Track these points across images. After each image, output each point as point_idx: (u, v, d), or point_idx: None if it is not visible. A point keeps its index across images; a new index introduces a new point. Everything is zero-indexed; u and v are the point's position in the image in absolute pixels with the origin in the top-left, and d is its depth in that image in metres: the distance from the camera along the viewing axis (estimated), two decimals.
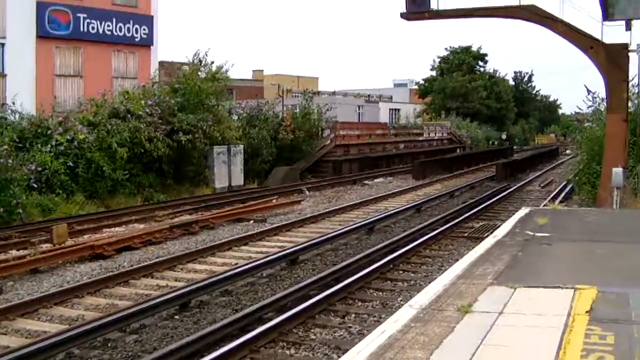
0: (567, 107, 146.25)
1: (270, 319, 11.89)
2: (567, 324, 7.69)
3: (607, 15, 21.24)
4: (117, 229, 23.54)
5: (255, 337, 10.89)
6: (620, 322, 7.74)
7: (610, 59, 23.50)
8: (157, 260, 17.72)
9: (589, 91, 27.73)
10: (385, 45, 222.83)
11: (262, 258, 17.23)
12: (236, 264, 17.31)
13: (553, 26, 24.76)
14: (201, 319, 12.72)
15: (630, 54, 23.38)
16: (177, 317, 12.89)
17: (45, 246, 19.59)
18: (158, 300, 13.03)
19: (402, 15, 26.36)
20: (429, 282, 13.48)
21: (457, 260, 15.44)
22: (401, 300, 13.46)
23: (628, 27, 21.84)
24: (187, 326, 12.26)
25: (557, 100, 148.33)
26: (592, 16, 23.65)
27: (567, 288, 9.26)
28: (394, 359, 6.85)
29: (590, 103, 28.10)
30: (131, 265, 17.37)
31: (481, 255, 11.89)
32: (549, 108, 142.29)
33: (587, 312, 8.16)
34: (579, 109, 34.62)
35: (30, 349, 10.17)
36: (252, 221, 24.91)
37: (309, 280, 14.62)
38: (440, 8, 25.93)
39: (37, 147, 27.99)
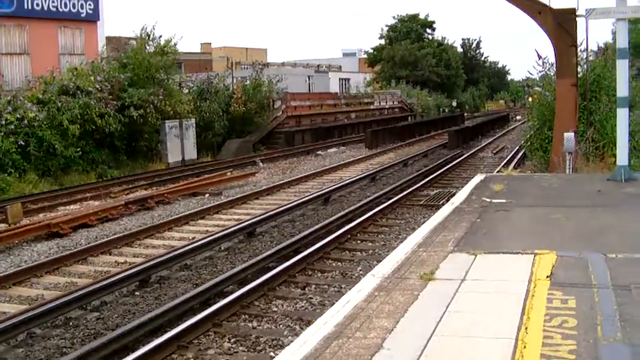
0: (516, 73, 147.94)
1: (231, 292, 11.91)
2: (528, 290, 7.82)
3: None
4: (72, 206, 23.33)
5: (217, 310, 10.89)
6: (581, 286, 7.87)
7: (559, 24, 23.62)
8: (114, 236, 17.60)
9: (539, 56, 27.89)
10: (333, 15, 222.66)
11: (220, 231, 17.21)
12: (194, 238, 17.28)
13: None
14: (162, 294, 12.70)
15: (578, 19, 23.52)
16: (137, 293, 12.86)
17: (0, 226, 19.38)
18: (117, 277, 12.97)
19: None
20: (388, 251, 13.65)
21: (414, 228, 15.64)
22: (360, 270, 13.56)
23: None
24: (148, 302, 12.24)
25: (505, 66, 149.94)
26: None
27: (527, 253, 9.40)
28: (361, 328, 6.92)
29: (540, 68, 28.28)
30: (88, 243, 17.24)
31: (440, 222, 12.00)
32: (498, 74, 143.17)
33: (547, 277, 8.29)
34: (530, 73, 34.84)
35: None
36: (207, 195, 24.84)
37: (267, 253, 14.63)
38: None
39: None
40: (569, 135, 20.37)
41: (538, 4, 24.02)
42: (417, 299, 7.65)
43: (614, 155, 21.33)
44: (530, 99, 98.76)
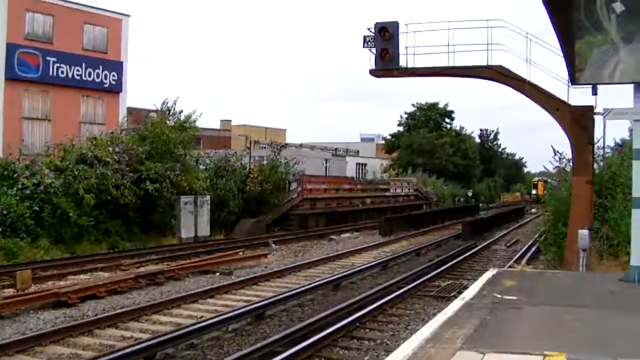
0: (533, 166, 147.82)
1: None
2: None
3: (573, 80, 21.37)
4: (81, 276, 23.34)
5: None
6: None
7: (576, 121, 23.71)
8: (122, 310, 17.54)
9: (555, 152, 27.98)
10: (353, 99, 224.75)
11: (228, 312, 17.12)
12: (202, 317, 17.17)
13: (520, 87, 25.00)
14: None
15: (595, 116, 23.60)
16: None
17: (9, 291, 19.35)
18: (123, 352, 12.87)
19: (371, 72, 26.46)
20: (396, 342, 13.54)
21: (424, 320, 15.53)
22: None
23: (594, 92, 22.05)
24: None
25: (522, 158, 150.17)
26: (558, 77, 23.85)
27: (535, 355, 9.25)
28: None
29: (556, 163, 28.34)
30: (95, 315, 17.18)
31: (449, 317, 11.86)
32: (515, 166, 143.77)
33: None
34: (545, 168, 34.92)
35: None
36: (218, 273, 24.77)
37: (275, 337, 14.52)
38: (409, 66, 26.08)
39: (3, 189, 27.83)
40: (584, 233, 20.29)
41: (556, 101, 24.17)
42: None
43: (629, 254, 21.22)
44: (534, 191, 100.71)
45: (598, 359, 9.13)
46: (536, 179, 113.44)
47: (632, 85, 17.33)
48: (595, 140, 24.32)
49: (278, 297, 19.15)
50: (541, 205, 45.65)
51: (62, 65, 39.88)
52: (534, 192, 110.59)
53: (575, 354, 9.35)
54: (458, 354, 9.37)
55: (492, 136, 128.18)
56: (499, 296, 14.01)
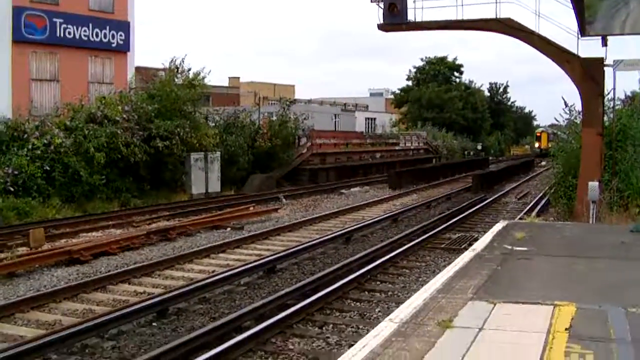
0: (543, 119, 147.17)
1: (248, 328, 11.89)
2: (546, 341, 7.74)
3: (583, 32, 21.39)
4: (94, 233, 23.49)
5: (233, 346, 10.88)
6: (600, 340, 7.79)
7: (586, 73, 23.64)
8: (134, 266, 17.69)
9: (566, 104, 27.91)
10: (361, 54, 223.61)
11: (240, 266, 17.25)
12: (214, 271, 17.31)
13: (529, 39, 24.91)
14: (179, 326, 12.71)
15: (605, 68, 23.51)
16: (154, 324, 12.87)
17: (22, 250, 19.52)
18: (136, 307, 13.01)
19: (379, 27, 26.38)
20: (407, 294, 13.63)
21: (435, 272, 15.62)
22: (379, 312, 13.51)
23: (604, 43, 22.00)
24: (165, 334, 12.26)
25: (532, 111, 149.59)
26: (568, 30, 23.76)
27: (546, 304, 9.32)
28: None
29: (567, 116, 28.28)
30: (108, 271, 17.32)
31: (460, 268, 11.93)
32: (525, 119, 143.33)
33: (566, 329, 8.21)
34: (556, 120, 34.80)
35: (7, 354, 10.13)
36: (229, 229, 24.89)
37: (287, 290, 14.64)
38: (417, 20, 26.00)
39: (14, 150, 27.94)
40: (594, 184, 20.32)
41: (566, 53, 24.06)
42: (434, 346, 7.58)
43: (639, 206, 21.24)
44: (537, 144, 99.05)
45: (608, 309, 9.18)
46: (540, 129, 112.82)
47: None
48: (605, 93, 24.26)
49: (289, 251, 19.29)
50: (549, 157, 45.43)
51: (68, 26, 39.63)
52: (537, 145, 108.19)
53: (585, 303, 9.41)
54: (469, 304, 9.44)
55: (501, 90, 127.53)
56: (509, 247, 14.07)
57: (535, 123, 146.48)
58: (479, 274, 11.40)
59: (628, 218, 20.81)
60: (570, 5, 20.44)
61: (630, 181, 22.95)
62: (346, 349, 8.93)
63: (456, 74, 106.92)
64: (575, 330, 8.19)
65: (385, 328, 8.32)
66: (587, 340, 7.78)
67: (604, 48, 22.86)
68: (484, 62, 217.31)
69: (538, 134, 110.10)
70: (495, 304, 9.37)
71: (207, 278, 15.85)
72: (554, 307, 9.18)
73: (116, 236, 21.79)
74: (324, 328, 12.67)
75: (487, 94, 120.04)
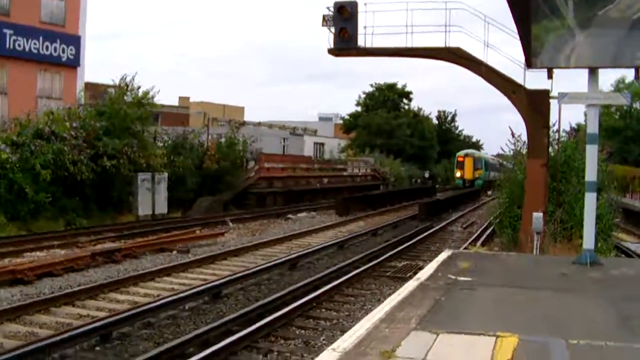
0: (490, 148, 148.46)
1: (192, 354, 11.83)
2: None
3: (529, 63, 21.60)
4: (38, 253, 23.22)
5: None
6: None
7: (532, 105, 23.94)
8: (78, 288, 17.49)
9: (512, 134, 28.26)
10: (311, 78, 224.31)
11: (185, 290, 17.17)
12: (159, 295, 17.21)
13: (477, 69, 25.17)
14: (122, 351, 12.61)
15: (551, 100, 23.83)
16: (98, 348, 12.75)
17: None
18: (79, 330, 12.88)
19: (330, 51, 26.50)
20: (352, 322, 13.67)
21: (380, 300, 15.70)
22: (324, 340, 13.53)
23: (549, 76, 22.27)
24: (107, 359, 12.16)
25: (479, 140, 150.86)
26: (515, 61, 24.07)
27: (489, 335, 9.43)
28: None
29: (513, 146, 28.65)
30: (52, 292, 17.13)
31: (404, 298, 12.03)
32: (472, 148, 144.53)
33: None
34: (502, 150, 35.19)
35: None
36: (175, 252, 24.76)
37: (232, 316, 14.61)
38: (368, 45, 26.18)
39: None
40: (538, 215, 20.56)
41: (513, 84, 24.38)
42: None
43: (582, 237, 21.54)
44: (458, 174, 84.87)
45: (550, 340, 9.32)
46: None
47: (587, 70, 17.62)
48: (551, 124, 24.61)
49: (235, 276, 19.25)
50: (496, 188, 45.70)
51: (18, 38, 39.32)
52: (457, 174, 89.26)
53: (528, 335, 9.54)
54: (412, 334, 9.53)
55: (449, 118, 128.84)
56: (453, 277, 14.22)
57: (482, 151, 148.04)
58: (422, 303, 11.50)
59: (571, 249, 21.10)
60: (518, 36, 20.72)
61: (574, 212, 23.26)
62: None
63: (405, 100, 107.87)
64: None
65: (327, 357, 8.36)
66: None
67: (550, 81, 23.20)
68: (433, 89, 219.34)
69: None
70: (438, 334, 9.46)
71: (151, 302, 15.75)
72: (496, 338, 9.30)
73: (61, 257, 21.54)
74: (268, 356, 12.65)
75: (435, 121, 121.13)
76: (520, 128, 26.76)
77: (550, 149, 24.90)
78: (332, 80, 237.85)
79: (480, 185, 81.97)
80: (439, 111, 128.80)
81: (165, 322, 14.82)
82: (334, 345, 9.09)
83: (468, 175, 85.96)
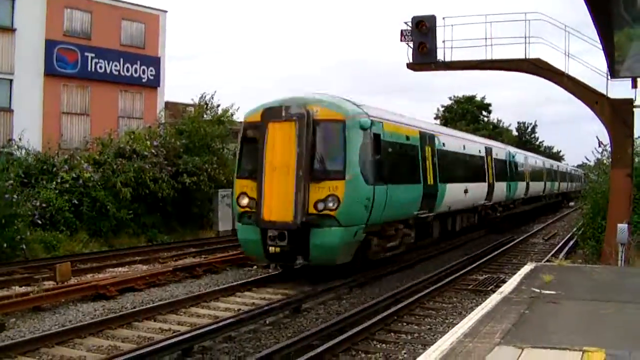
0: (571, 159, 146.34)
1: None
2: None
3: (613, 73, 21.33)
4: (120, 269, 23.57)
5: None
6: None
7: (615, 114, 23.55)
8: (160, 303, 17.67)
9: (600, 143, 27.83)
10: (389, 92, 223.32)
11: (265, 305, 17.19)
12: (239, 310, 17.24)
13: (558, 80, 24.86)
14: None
15: (635, 109, 23.42)
16: None
17: (49, 284, 19.57)
18: (161, 344, 12.96)
19: (409, 66, 26.38)
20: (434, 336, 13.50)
21: (461, 313, 15.46)
22: (405, 354, 13.40)
23: (634, 85, 21.92)
24: None
25: (560, 151, 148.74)
26: (598, 70, 23.70)
27: (574, 350, 9.20)
28: None
29: (597, 155, 28.24)
30: (134, 307, 17.34)
31: (488, 312, 11.84)
32: (553, 159, 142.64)
33: None
34: (587, 159, 34.51)
35: None
36: (255, 266, 24.80)
37: (313, 330, 14.57)
38: (447, 59, 26.01)
39: (43, 183, 28.13)
40: (622, 227, 20.14)
41: (595, 94, 24.00)
42: None
43: None
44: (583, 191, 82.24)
45: (638, 355, 9.06)
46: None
47: None
48: (636, 134, 24.17)
49: (315, 291, 19.22)
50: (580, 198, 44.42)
51: (100, 60, 40.18)
52: None
53: (615, 349, 9.29)
54: (496, 349, 9.34)
55: (529, 129, 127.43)
56: (537, 290, 13.95)
57: (563, 162, 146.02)
58: (506, 317, 11.30)
59: None
60: (600, 46, 20.41)
61: None
62: None
63: (484, 112, 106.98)
64: None
65: None
66: None
67: (634, 90, 22.78)
68: (513, 101, 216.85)
69: None
70: (523, 349, 9.27)
71: (232, 317, 15.79)
72: (582, 353, 9.07)
73: (142, 272, 21.83)
74: None
75: (515, 133, 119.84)
76: (603, 138, 26.26)
77: (636, 159, 24.44)
78: (409, 93, 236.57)
79: None
80: (518, 122, 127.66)
81: (247, 336, 14.83)
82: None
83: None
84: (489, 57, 25.37)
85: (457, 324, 11.36)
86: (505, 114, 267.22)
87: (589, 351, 9.17)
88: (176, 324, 16.00)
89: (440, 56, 25.87)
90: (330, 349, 13.16)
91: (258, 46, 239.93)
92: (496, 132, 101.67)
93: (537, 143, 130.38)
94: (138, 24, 43.61)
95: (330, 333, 14.49)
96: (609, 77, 23.16)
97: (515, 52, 25.38)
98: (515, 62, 25.60)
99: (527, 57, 25.01)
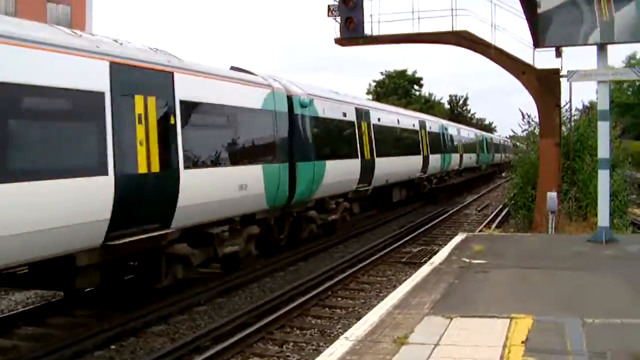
0: (503, 130, 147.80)
1: None
2: (502, 356, 7.76)
3: (537, 42, 21.49)
4: None
5: None
6: (556, 353, 7.83)
7: (542, 84, 23.75)
8: None
9: (523, 115, 28.10)
10: (318, 68, 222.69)
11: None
12: None
13: (485, 52, 24.98)
14: None
15: (562, 79, 23.66)
16: None
17: None
18: None
19: (336, 41, 26.31)
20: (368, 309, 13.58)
21: (395, 286, 15.59)
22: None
23: (558, 54, 22.12)
24: None
25: (492, 123, 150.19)
26: (523, 41, 23.88)
27: (503, 317, 9.35)
28: None
29: (525, 127, 28.49)
30: None
31: (418, 283, 11.95)
32: (485, 130, 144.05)
33: (522, 342, 8.24)
34: (514, 132, 34.93)
35: None
36: None
37: (247, 309, 14.52)
38: (374, 34, 26.00)
39: None
40: (552, 195, 20.44)
41: (522, 64, 24.20)
42: None
43: (597, 215, 21.43)
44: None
45: (565, 320, 9.22)
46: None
47: (595, 47, 17.47)
48: (563, 103, 24.45)
49: None
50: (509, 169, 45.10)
51: None
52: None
53: (542, 315, 9.46)
54: (425, 320, 9.55)
55: (461, 102, 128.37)
56: (467, 260, 14.14)
57: (495, 134, 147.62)
58: (436, 288, 11.42)
59: (587, 227, 20.99)
60: (524, 17, 20.58)
61: (588, 190, 23.13)
62: None
63: (416, 87, 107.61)
64: (531, 343, 8.23)
65: (340, 346, 8.31)
66: (543, 353, 7.83)
67: (559, 60, 23.01)
68: (444, 74, 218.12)
69: None
70: (451, 319, 9.39)
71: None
72: (510, 320, 9.22)
73: None
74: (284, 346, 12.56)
75: (447, 106, 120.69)
76: (532, 108, 26.52)
77: (563, 128, 24.75)
78: (340, 69, 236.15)
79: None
80: (450, 96, 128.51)
81: (181, 318, 14.68)
82: (347, 333, 9.03)
83: None
84: (416, 31, 25.43)
85: None
86: (437, 87, 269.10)
87: (517, 318, 9.33)
88: None
89: (367, 31, 25.86)
90: (264, 327, 13.16)
91: (185, 28, 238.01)
92: (428, 105, 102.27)
93: (469, 115, 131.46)
94: (64, 6, 42.80)
95: (265, 311, 14.47)
96: (534, 47, 23.38)
97: (443, 25, 25.51)
98: (442, 35, 25.68)
99: (455, 29, 25.13)
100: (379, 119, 29.86)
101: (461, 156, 53.49)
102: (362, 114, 27.71)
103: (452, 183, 48.77)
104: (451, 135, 49.24)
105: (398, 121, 34.22)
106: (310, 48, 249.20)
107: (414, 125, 37.53)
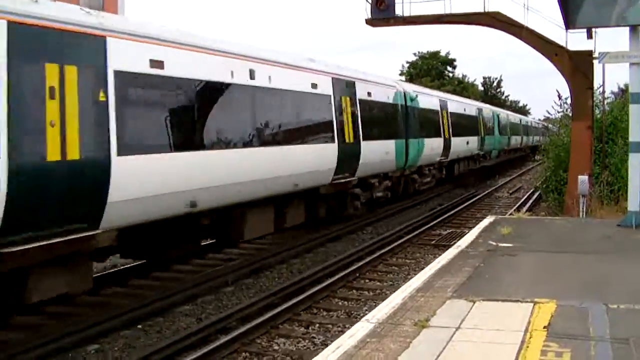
0: (537, 112, 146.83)
1: None
2: (524, 341, 7.71)
3: (568, 24, 21.29)
4: None
5: None
6: (578, 338, 7.76)
7: (575, 66, 23.59)
8: None
9: (559, 96, 27.92)
10: (352, 51, 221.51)
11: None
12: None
13: (517, 33, 24.85)
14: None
15: (595, 61, 23.45)
16: None
17: None
18: None
19: (367, 22, 26.30)
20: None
21: (423, 268, 15.56)
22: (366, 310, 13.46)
23: (589, 36, 21.89)
24: None
25: (526, 105, 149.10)
26: (556, 23, 23.75)
27: (526, 302, 9.30)
28: None
29: (559, 108, 28.32)
30: None
31: (443, 266, 11.92)
32: (519, 113, 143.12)
33: (545, 327, 8.18)
34: (549, 113, 34.66)
35: None
36: None
37: (274, 289, 14.55)
38: (406, 14, 25.92)
39: None
40: (583, 178, 20.29)
41: (555, 46, 24.02)
42: (408, 346, 7.55)
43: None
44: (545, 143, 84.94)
45: (589, 305, 9.15)
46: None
47: (627, 29, 17.24)
48: (597, 86, 24.24)
49: None
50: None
51: None
52: None
53: (566, 300, 9.39)
54: (448, 303, 9.48)
55: (495, 83, 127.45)
56: (494, 244, 14.06)
57: (530, 116, 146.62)
58: (461, 271, 11.38)
59: (619, 211, 20.77)
60: None
61: (620, 174, 22.89)
62: None
63: (449, 68, 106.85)
64: (553, 328, 8.17)
65: (361, 328, 8.32)
66: (565, 339, 7.76)
67: (591, 40, 22.81)
68: (478, 56, 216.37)
69: None
70: (474, 302, 9.35)
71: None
72: (533, 305, 9.17)
73: None
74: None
75: (480, 87, 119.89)
76: (566, 92, 26.26)
77: (597, 111, 24.54)
78: (374, 51, 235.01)
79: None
80: (484, 77, 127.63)
81: (209, 298, 14.76)
82: (368, 316, 9.03)
83: None
84: (447, 12, 25.31)
85: None
86: (470, 69, 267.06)
87: (540, 302, 9.27)
88: None
89: (399, 11, 25.78)
90: (291, 308, 13.21)
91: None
92: (461, 87, 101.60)
93: (503, 98, 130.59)
94: None
95: (292, 292, 14.51)
96: (566, 28, 23.18)
97: (475, 6, 25.41)
98: (474, 16, 25.57)
99: (486, 10, 24.98)
100: (454, 108, 39.11)
101: (509, 138, 62.04)
102: (444, 104, 36.73)
103: (498, 162, 54.58)
104: (499, 120, 57.15)
105: (464, 109, 43.18)
106: (338, 32, 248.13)
107: (473, 112, 46.22)
